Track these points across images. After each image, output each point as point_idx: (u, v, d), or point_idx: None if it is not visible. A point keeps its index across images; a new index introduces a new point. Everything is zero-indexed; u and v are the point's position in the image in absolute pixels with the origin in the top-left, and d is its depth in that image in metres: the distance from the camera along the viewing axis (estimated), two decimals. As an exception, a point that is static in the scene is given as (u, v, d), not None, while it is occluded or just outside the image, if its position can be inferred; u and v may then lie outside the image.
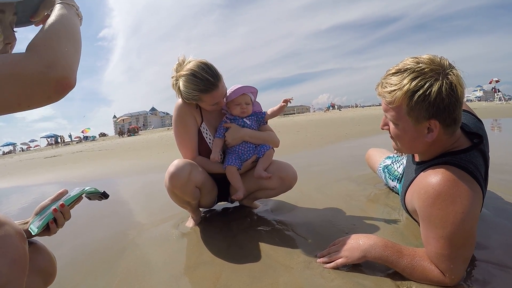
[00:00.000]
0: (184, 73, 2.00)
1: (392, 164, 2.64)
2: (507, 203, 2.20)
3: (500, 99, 27.57)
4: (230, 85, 2.24)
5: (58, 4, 0.95)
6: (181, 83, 2.03)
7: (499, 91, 29.69)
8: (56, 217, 1.16)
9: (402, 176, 2.44)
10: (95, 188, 1.27)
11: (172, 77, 2.11)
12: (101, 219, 2.87)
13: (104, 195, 1.29)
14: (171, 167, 1.97)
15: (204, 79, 1.97)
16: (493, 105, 22.99)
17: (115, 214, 3.01)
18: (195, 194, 2.08)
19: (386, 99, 1.37)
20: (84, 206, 3.35)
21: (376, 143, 2.85)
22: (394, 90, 1.32)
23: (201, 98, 2.04)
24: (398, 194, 2.56)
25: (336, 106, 67.83)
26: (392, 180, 2.58)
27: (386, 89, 1.36)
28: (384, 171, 2.71)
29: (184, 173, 1.96)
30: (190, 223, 2.34)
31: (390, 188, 2.72)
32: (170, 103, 2.50)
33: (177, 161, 2.01)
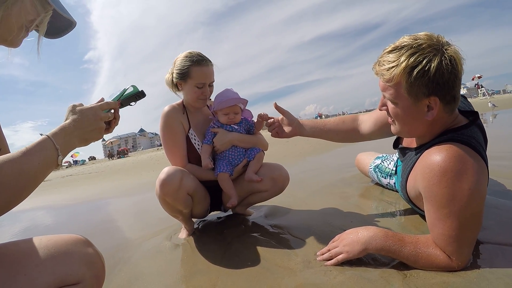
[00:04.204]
0: (179, 58, 2.12)
1: (382, 163, 2.62)
2: (505, 186, 2.20)
3: (484, 95, 28.05)
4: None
5: (42, 140, 0.98)
6: (177, 63, 2.11)
7: (482, 87, 30.16)
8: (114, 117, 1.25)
9: (394, 172, 2.40)
10: (133, 87, 1.33)
11: (167, 73, 2.19)
12: (89, 238, 2.75)
13: (142, 94, 1.34)
14: (162, 174, 1.91)
15: (196, 54, 2.08)
16: (477, 101, 23.37)
17: (104, 232, 2.90)
18: (187, 201, 2.02)
19: (384, 77, 1.34)
20: (72, 226, 3.26)
21: (364, 148, 2.87)
22: (392, 67, 1.29)
23: (190, 72, 2.06)
24: (392, 190, 2.52)
25: (323, 116, 68.28)
26: (385, 178, 2.55)
27: (383, 67, 1.33)
28: (375, 171, 2.68)
29: (175, 179, 1.90)
30: (183, 234, 2.26)
31: (383, 187, 2.68)
32: (158, 123, 2.51)
33: (167, 168, 1.95)
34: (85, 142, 1.10)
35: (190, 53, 2.10)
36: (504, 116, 9.79)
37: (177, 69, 2.10)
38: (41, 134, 1.00)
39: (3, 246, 0.95)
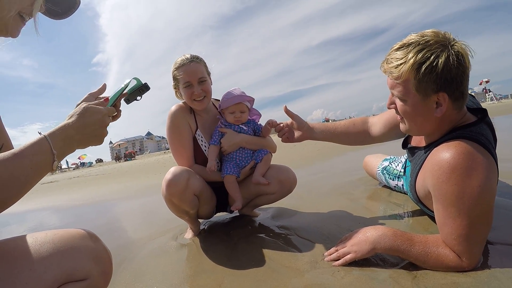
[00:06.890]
0: None
1: (390, 165, 2.59)
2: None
3: (492, 99, 27.73)
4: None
5: (38, 140, 0.91)
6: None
7: (490, 91, 29.83)
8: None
9: (402, 173, 2.38)
10: (136, 79, 1.28)
11: None
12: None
13: (145, 87, 1.29)
14: (168, 175, 1.89)
15: (181, 58, 2.08)
16: (485, 105, 23.15)
17: (111, 232, 2.91)
18: (194, 202, 2.00)
19: (393, 74, 1.33)
20: (79, 226, 3.27)
21: (372, 150, 2.86)
22: (400, 64, 1.29)
23: (175, 76, 2.09)
24: (400, 192, 2.50)
25: (330, 121, 67.82)
26: (393, 180, 2.52)
27: (391, 64, 1.33)
28: (383, 173, 2.65)
29: (182, 180, 1.88)
30: (189, 234, 2.25)
31: (391, 189, 2.65)
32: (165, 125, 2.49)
33: (174, 168, 1.94)
34: (84, 146, 1.04)
35: (177, 60, 2.11)
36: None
37: (173, 79, 2.14)
38: (40, 133, 0.93)
39: (8, 241, 0.93)
